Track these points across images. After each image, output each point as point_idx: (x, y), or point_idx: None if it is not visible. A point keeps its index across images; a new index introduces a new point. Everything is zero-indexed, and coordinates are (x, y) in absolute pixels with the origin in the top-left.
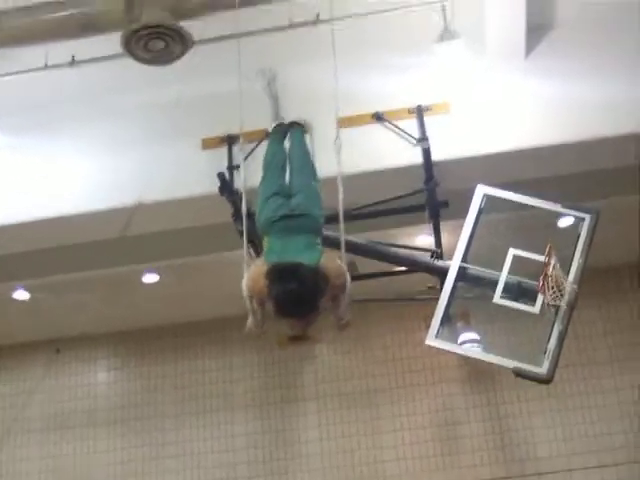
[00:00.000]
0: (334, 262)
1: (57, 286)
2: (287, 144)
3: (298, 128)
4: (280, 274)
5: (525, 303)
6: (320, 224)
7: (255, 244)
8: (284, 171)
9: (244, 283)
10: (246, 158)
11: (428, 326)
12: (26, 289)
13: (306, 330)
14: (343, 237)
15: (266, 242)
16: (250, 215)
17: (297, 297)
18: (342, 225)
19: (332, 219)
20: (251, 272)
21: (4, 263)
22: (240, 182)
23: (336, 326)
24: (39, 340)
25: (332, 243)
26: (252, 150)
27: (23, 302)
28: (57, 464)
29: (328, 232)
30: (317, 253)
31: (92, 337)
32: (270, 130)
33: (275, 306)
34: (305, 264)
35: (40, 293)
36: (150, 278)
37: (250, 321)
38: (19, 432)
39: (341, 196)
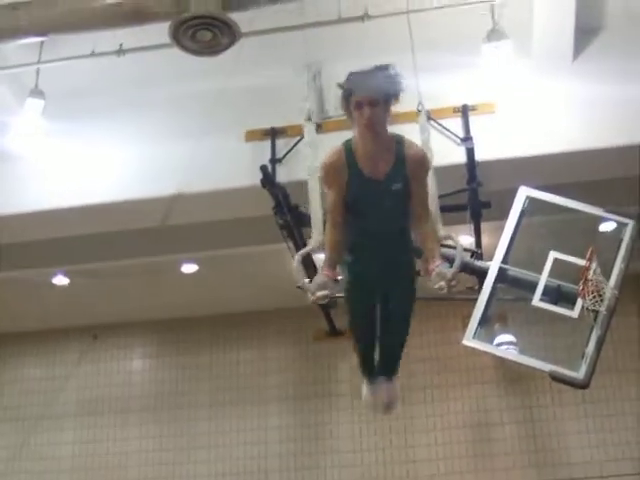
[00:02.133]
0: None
1: (96, 273)
2: None
3: None
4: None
5: (564, 307)
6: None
7: (295, 238)
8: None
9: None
10: (289, 152)
11: (466, 326)
12: (65, 275)
13: (372, 121)
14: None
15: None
16: (291, 209)
17: (376, 72)
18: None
19: None
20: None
21: (45, 248)
22: (283, 175)
23: (442, 286)
24: (76, 326)
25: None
26: (295, 144)
27: (62, 287)
28: (90, 449)
29: None
30: None
31: (129, 325)
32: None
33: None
34: None
35: (79, 279)
36: (189, 268)
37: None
38: (53, 416)
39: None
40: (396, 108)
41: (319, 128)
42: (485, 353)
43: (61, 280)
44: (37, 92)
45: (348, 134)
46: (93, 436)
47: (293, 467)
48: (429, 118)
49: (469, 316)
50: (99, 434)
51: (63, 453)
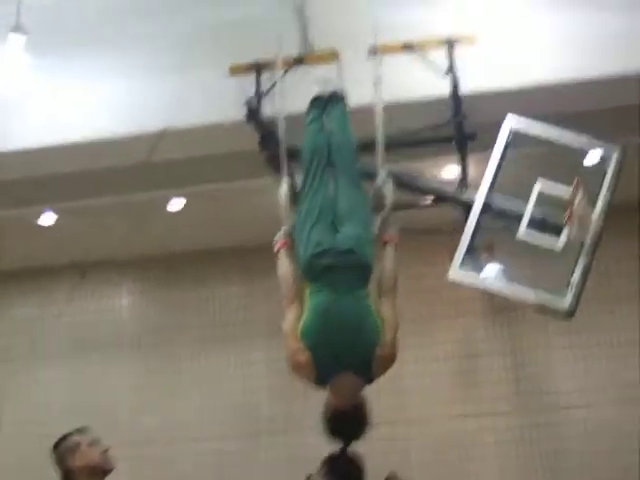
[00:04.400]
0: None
1: (82, 211)
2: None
3: (339, 103)
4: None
5: (550, 237)
6: (371, 268)
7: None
8: (327, 167)
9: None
10: (272, 87)
11: (452, 259)
12: (51, 213)
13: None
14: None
15: (307, 294)
16: (277, 142)
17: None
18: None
19: (366, 148)
20: (287, 346)
21: (29, 186)
22: (268, 109)
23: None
24: (64, 264)
25: (365, 174)
26: (280, 77)
27: (48, 226)
28: (80, 387)
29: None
30: (376, 328)
31: (117, 262)
32: (308, 106)
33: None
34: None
35: (65, 217)
36: (176, 204)
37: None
38: (43, 355)
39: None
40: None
41: (302, 61)
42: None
43: (47, 219)
44: (18, 27)
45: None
46: (83, 374)
47: (282, 400)
48: (413, 50)
49: (454, 249)
50: (88, 372)
51: (53, 391)
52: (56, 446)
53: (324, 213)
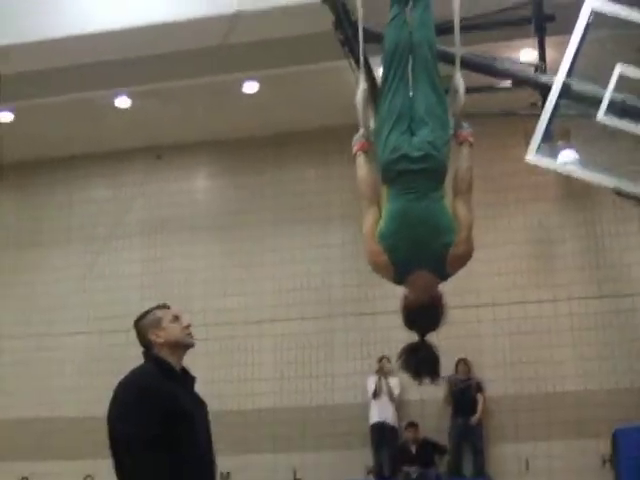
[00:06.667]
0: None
1: (158, 94)
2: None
3: None
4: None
5: (629, 122)
6: (446, 169)
7: (356, 54)
8: (408, 63)
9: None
10: None
11: (528, 143)
12: (128, 96)
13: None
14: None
15: (384, 196)
16: (352, 23)
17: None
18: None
19: (442, 31)
20: (366, 248)
21: (106, 70)
22: None
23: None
24: (140, 147)
25: (442, 57)
26: None
27: (124, 109)
28: (157, 267)
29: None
30: (450, 227)
31: (192, 145)
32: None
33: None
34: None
35: (141, 100)
36: (250, 87)
37: None
38: (121, 236)
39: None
40: None
41: None
42: (547, 170)
43: (123, 102)
44: None
45: None
46: (160, 254)
47: (356, 283)
48: None
49: (530, 133)
50: (166, 252)
51: (132, 271)
52: (139, 320)
53: (402, 116)
